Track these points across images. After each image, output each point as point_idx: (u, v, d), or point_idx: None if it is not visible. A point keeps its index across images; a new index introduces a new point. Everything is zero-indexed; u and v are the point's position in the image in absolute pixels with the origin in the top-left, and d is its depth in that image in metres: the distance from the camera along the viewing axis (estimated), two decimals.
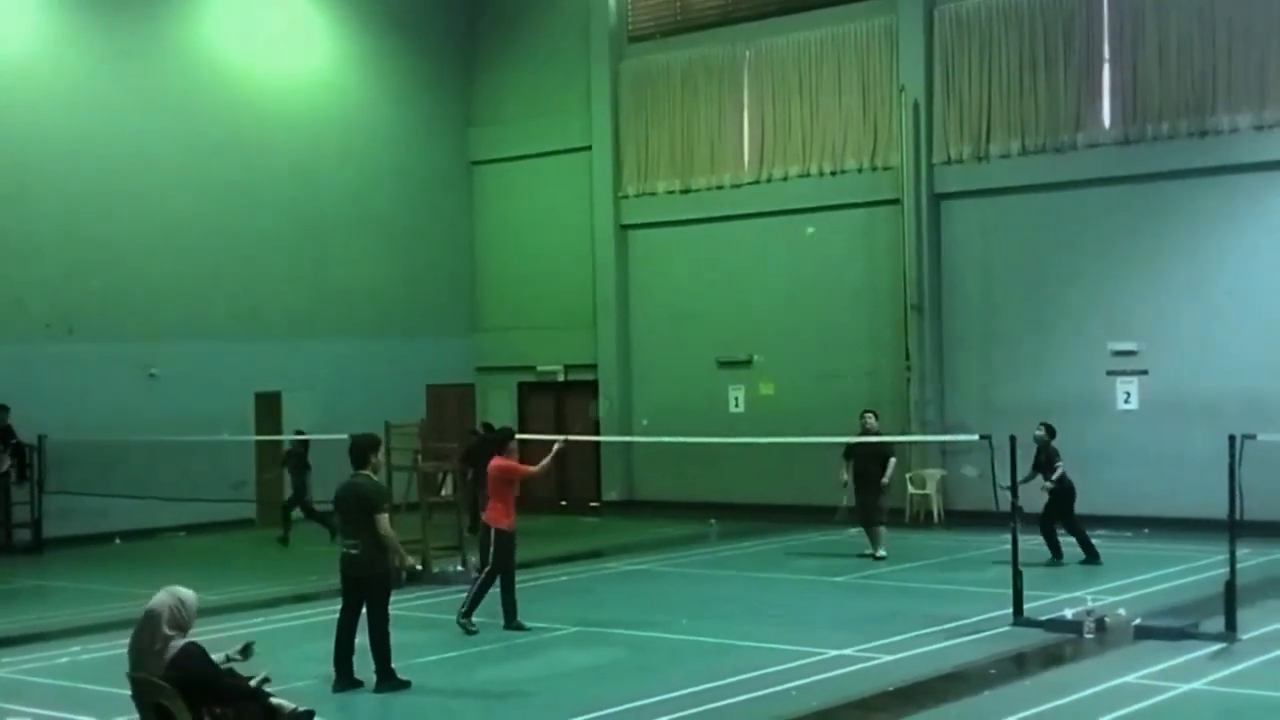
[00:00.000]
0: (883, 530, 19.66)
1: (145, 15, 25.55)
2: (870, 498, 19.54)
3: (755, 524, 22.67)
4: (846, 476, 19.78)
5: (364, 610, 12.25)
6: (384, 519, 12.09)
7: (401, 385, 27.95)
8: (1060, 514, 18.81)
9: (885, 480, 19.42)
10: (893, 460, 19.68)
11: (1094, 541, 18.85)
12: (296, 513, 23.35)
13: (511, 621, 14.83)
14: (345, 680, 12.24)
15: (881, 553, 19.40)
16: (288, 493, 23.60)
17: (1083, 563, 18.54)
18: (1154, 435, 22.81)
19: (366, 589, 12.21)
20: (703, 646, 14.16)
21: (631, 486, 28.24)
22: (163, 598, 8.47)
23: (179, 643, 8.32)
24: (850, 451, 19.76)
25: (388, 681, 12.19)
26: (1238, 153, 22.55)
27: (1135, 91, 23.46)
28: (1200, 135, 22.89)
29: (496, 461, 15.14)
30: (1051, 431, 19.17)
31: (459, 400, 29.74)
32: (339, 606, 12.38)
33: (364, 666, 12.31)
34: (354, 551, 12.22)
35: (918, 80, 25.27)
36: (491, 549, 14.85)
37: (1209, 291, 22.83)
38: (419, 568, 12.07)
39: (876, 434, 19.82)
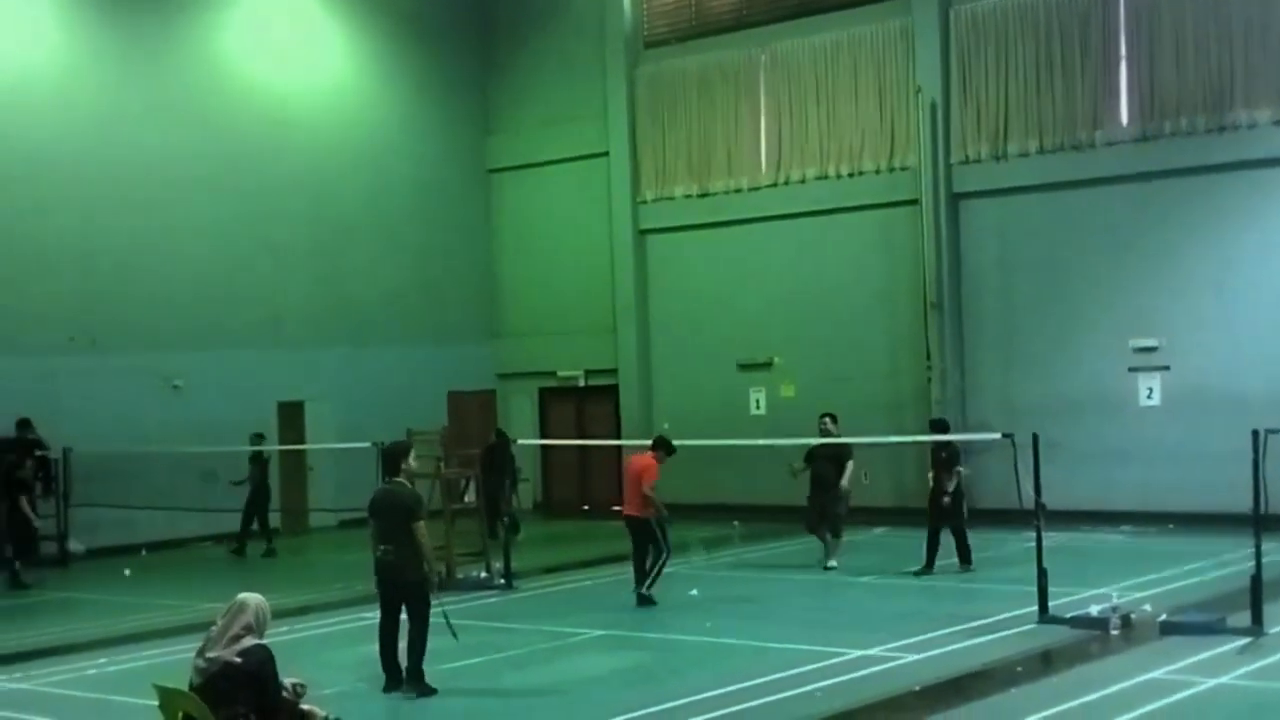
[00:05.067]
0: (843, 540, 19.23)
1: (162, 28, 25.67)
2: (825, 502, 19.13)
3: (778, 525, 22.64)
4: (798, 468, 19.46)
5: (403, 613, 12.34)
6: (421, 526, 12.24)
7: (423, 392, 28.01)
8: (956, 516, 18.47)
9: (844, 484, 19.04)
10: (850, 464, 19.20)
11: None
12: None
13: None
14: (395, 682, 12.35)
15: (832, 563, 19.00)
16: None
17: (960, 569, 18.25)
18: (1177, 431, 22.75)
19: (406, 593, 12.32)
20: (728, 648, 14.17)
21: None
22: (254, 595, 8.78)
23: (253, 640, 8.54)
24: (810, 456, 19.49)
25: (417, 684, 12.26)
26: (1256, 147, 22.48)
27: (1152, 88, 23.41)
28: (1219, 131, 22.83)
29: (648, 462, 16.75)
30: (946, 427, 19.03)
31: (481, 407, 29.80)
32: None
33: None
34: (390, 557, 12.32)
35: (934, 81, 25.25)
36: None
37: (1229, 286, 22.76)
38: (441, 576, 12.17)
39: (834, 438, 19.48)
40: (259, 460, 23.76)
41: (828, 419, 19.70)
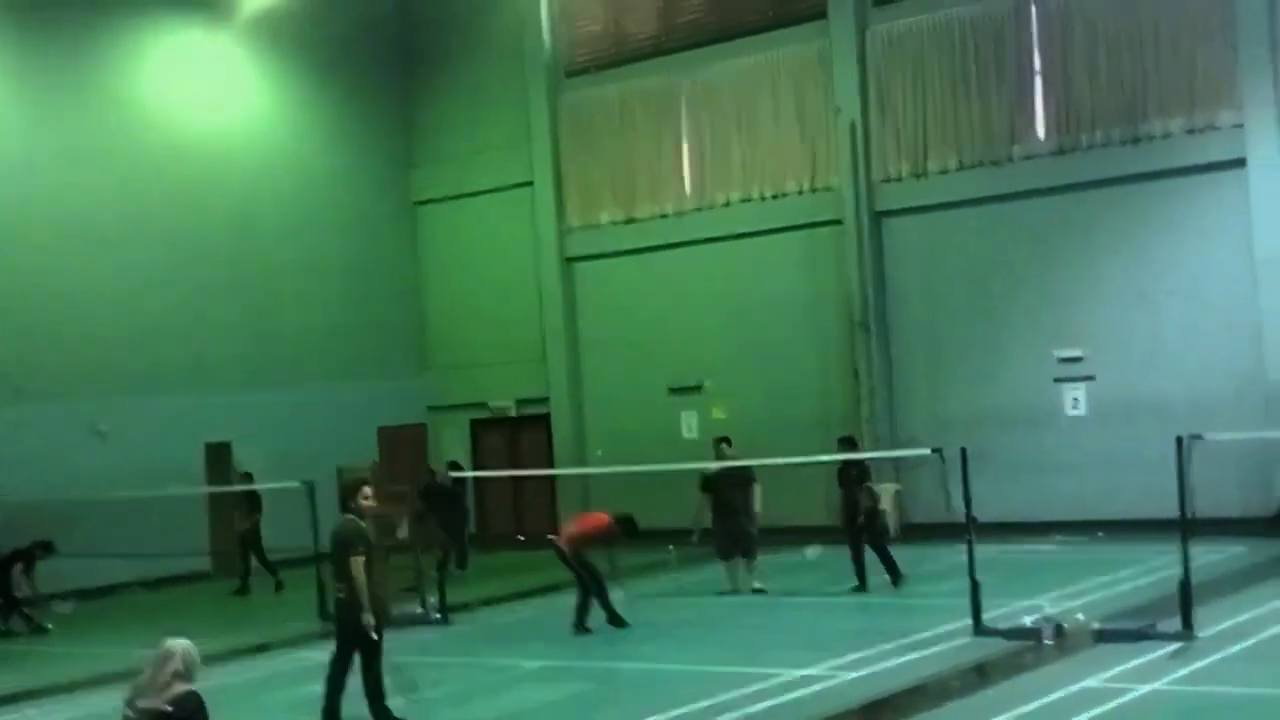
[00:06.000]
0: (756, 561, 19.03)
1: (82, 72, 25.43)
2: (737, 526, 18.89)
3: (712, 549, 22.63)
4: (704, 508, 19.27)
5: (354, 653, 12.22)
6: (357, 562, 11.98)
7: (353, 429, 27.81)
8: (872, 533, 18.54)
9: (759, 509, 18.85)
10: (757, 486, 18.98)
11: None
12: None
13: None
14: None
15: (758, 585, 18.87)
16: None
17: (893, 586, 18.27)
18: (1103, 439, 23.01)
19: (349, 632, 12.15)
20: (668, 674, 14.16)
21: None
22: (181, 641, 8.61)
23: (183, 686, 8.41)
24: (709, 484, 19.26)
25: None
26: (1171, 157, 22.85)
27: (1067, 102, 23.75)
28: (1134, 142, 23.19)
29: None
30: (855, 445, 19.10)
31: (412, 441, 29.63)
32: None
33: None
34: (340, 595, 12.21)
35: (853, 101, 25.47)
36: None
37: (1151, 295, 23.08)
38: (370, 623, 11.96)
39: (733, 461, 19.29)
40: (250, 499, 23.47)
41: (724, 444, 19.64)
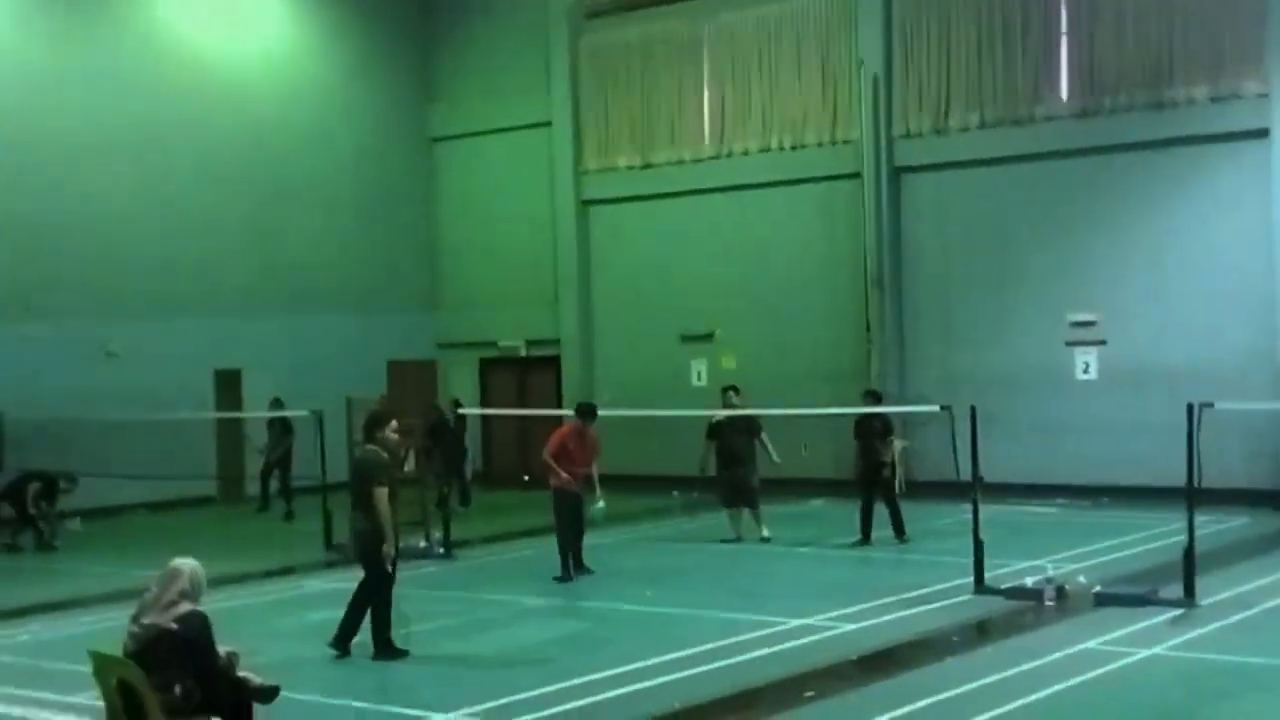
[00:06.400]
0: (760, 510, 19.16)
1: None
2: (741, 475, 19.05)
3: (714, 497, 22.72)
4: (709, 455, 19.40)
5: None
6: (381, 493, 12.17)
7: (362, 361, 27.82)
8: (889, 488, 18.61)
9: (776, 459, 18.97)
10: (765, 436, 19.11)
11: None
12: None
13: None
14: (341, 645, 12.40)
15: (766, 534, 18.97)
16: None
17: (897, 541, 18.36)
18: (1113, 405, 22.98)
19: (364, 561, 12.33)
20: (667, 618, 14.23)
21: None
22: (189, 561, 8.67)
23: (189, 606, 8.47)
24: (714, 431, 19.35)
25: (384, 651, 12.31)
26: (1194, 124, 22.66)
27: (1092, 64, 23.57)
28: (1157, 107, 23.01)
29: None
30: (880, 399, 19.07)
31: (420, 376, 29.59)
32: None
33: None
34: (357, 524, 12.34)
35: (877, 54, 25.30)
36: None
37: (1166, 262, 22.99)
38: (390, 554, 12.21)
39: (739, 410, 19.38)
40: (283, 424, 23.55)
41: (731, 392, 19.68)
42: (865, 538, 18.43)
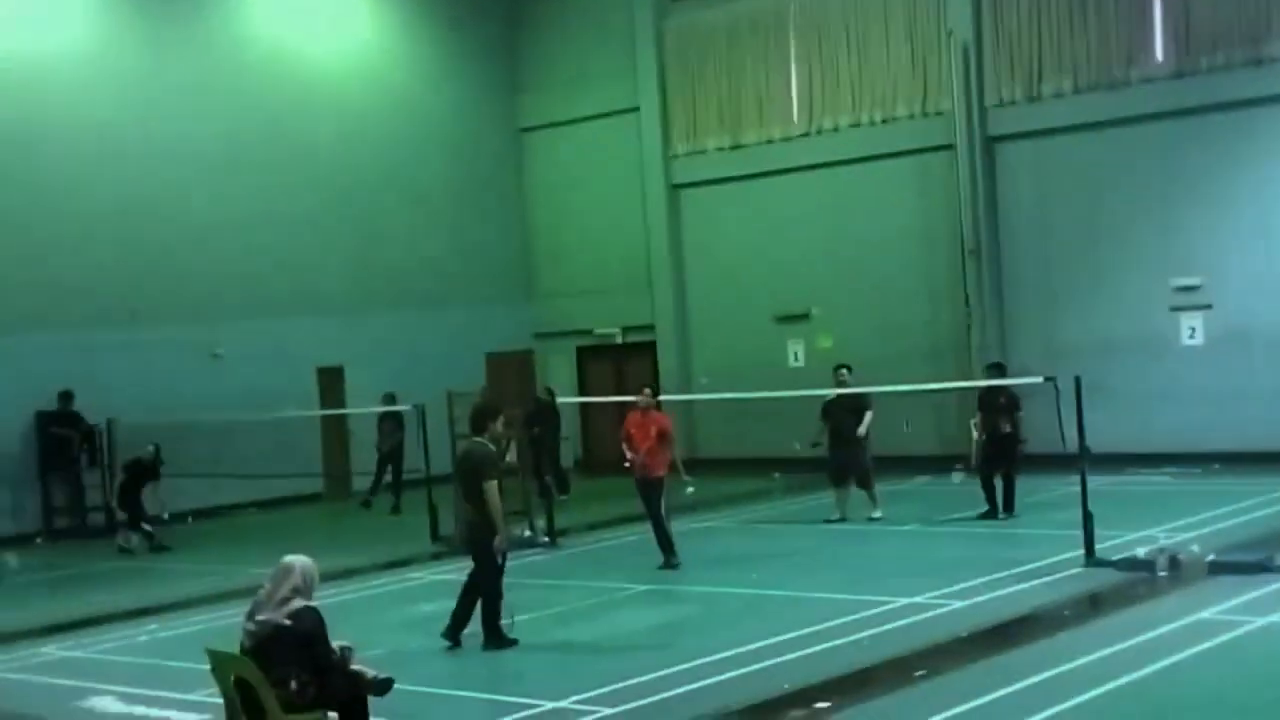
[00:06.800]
0: (875, 491, 19.05)
1: (191, 3, 25.78)
2: (849, 455, 18.97)
3: (818, 477, 22.61)
4: (820, 437, 19.34)
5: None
6: (492, 486, 12.33)
7: (461, 355, 28.05)
8: (1008, 461, 18.35)
9: (862, 432, 18.80)
10: (869, 414, 18.96)
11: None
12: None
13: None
14: (453, 636, 12.56)
15: (877, 514, 18.88)
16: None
17: (1002, 516, 18.12)
18: (1220, 370, 22.56)
19: (475, 551, 12.50)
20: (773, 600, 14.20)
21: (693, 444, 28.20)
22: (300, 557, 8.81)
23: (302, 602, 8.59)
24: (827, 411, 19.31)
25: (494, 641, 12.44)
26: None
27: (1187, 22, 23.10)
28: (1255, 64, 22.51)
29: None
30: (1004, 371, 18.79)
31: (518, 367, 29.83)
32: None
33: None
34: (470, 517, 12.56)
35: (966, 23, 24.99)
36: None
37: (1271, 222, 22.50)
38: (503, 546, 12.37)
39: (850, 389, 19.24)
40: (395, 419, 23.87)
41: (844, 370, 19.52)
42: (992, 510, 18.28)
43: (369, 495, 24.44)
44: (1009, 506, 18.24)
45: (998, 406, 18.38)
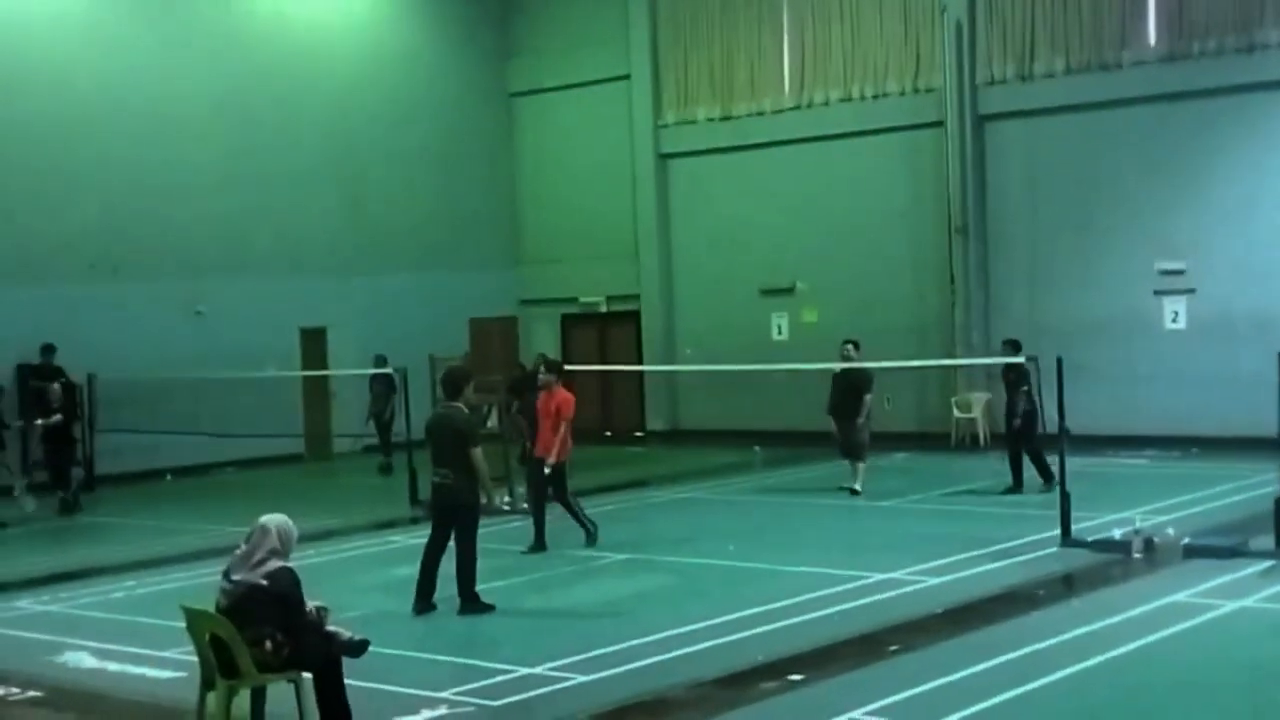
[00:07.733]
0: (861, 466, 19.04)
1: None
2: (848, 430, 19.01)
3: (800, 451, 22.66)
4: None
5: (451, 538, 12.52)
6: (478, 451, 12.34)
7: (444, 319, 28.02)
8: (1028, 438, 18.28)
9: (861, 421, 18.80)
10: (868, 398, 18.91)
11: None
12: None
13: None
14: (426, 604, 12.52)
15: (857, 486, 18.89)
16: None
17: (1042, 490, 17.83)
18: (1202, 354, 22.65)
19: (457, 517, 12.45)
20: (750, 572, 14.23)
21: (676, 416, 28.28)
22: (277, 517, 8.78)
23: (278, 562, 8.59)
24: (835, 383, 19.33)
25: (472, 605, 12.44)
26: None
27: (1180, 7, 23.10)
28: (1248, 50, 22.53)
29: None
30: (1019, 349, 18.89)
31: (502, 333, 29.81)
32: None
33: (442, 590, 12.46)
34: (446, 481, 12.44)
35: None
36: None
37: (1256, 209, 22.56)
38: (507, 506, 12.44)
39: (855, 364, 19.24)
40: (386, 381, 23.79)
41: (850, 345, 19.45)
42: (1017, 485, 18.34)
43: (386, 459, 24.06)
44: (1047, 478, 17.78)
45: (1009, 382, 18.50)
